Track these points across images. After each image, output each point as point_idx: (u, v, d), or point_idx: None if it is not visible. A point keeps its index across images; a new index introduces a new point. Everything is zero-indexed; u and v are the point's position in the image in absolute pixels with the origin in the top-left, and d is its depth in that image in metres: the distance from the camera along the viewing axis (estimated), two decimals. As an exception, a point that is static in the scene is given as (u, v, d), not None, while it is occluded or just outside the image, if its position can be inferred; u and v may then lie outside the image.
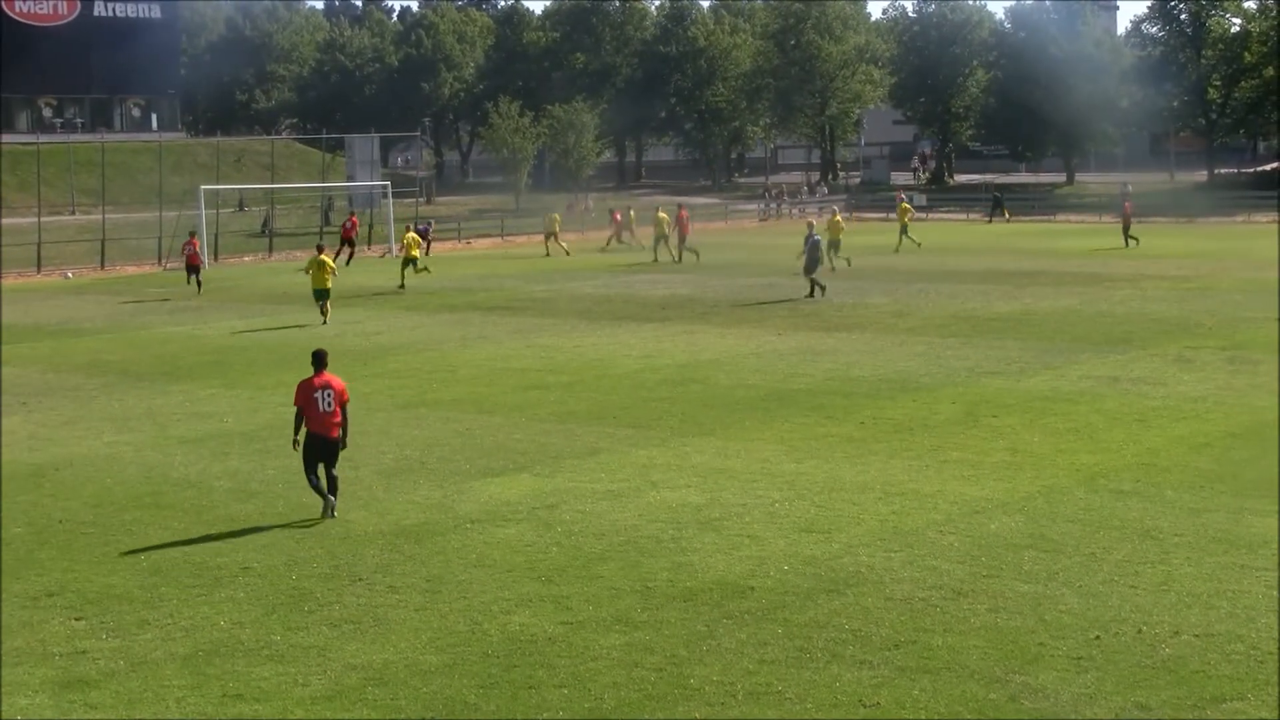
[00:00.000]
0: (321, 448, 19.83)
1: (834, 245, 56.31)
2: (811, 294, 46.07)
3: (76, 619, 15.83)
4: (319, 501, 20.07)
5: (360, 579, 16.93)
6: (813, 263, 46.57)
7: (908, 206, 71.35)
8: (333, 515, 19.67)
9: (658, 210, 66.31)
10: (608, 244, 70.81)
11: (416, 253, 55.95)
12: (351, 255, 66.55)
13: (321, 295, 43.79)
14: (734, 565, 17.03)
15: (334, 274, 45.34)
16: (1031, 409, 26.32)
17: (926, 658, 13.93)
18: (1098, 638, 14.30)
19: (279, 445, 23.12)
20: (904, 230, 67.42)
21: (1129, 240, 65.53)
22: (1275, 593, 15.49)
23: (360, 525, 19.33)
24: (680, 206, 67.31)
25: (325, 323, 42.86)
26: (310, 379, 19.98)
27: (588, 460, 22.96)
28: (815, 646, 14.30)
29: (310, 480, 19.94)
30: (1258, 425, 24.33)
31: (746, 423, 25.80)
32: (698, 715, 12.74)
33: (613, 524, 19.03)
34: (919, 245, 65.68)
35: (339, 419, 19.89)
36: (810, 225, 49.59)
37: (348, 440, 20.38)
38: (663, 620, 15.18)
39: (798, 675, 13.59)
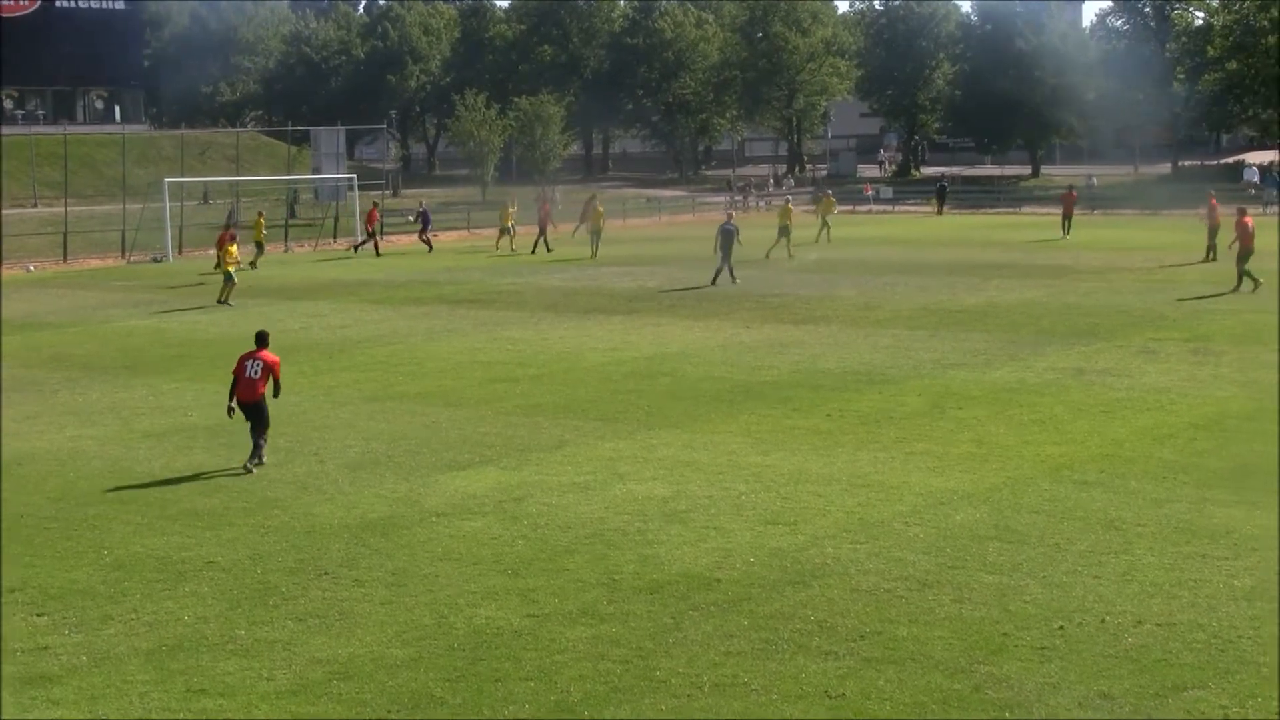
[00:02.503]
0: (247, 411, 22.26)
1: (784, 231, 59.00)
2: (715, 281, 48.15)
3: (38, 615, 15.78)
4: (284, 496, 20.44)
5: (326, 573, 16.92)
6: (724, 252, 48.60)
7: (833, 201, 73.20)
8: (260, 463, 22.26)
9: (597, 205, 65.60)
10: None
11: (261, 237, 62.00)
12: (373, 244, 67.82)
13: (226, 278, 47.55)
14: (700, 557, 17.08)
15: (237, 262, 49.12)
16: (997, 401, 26.46)
17: (892, 648, 14.00)
18: (1061, 628, 14.39)
19: (244, 440, 23.12)
20: (824, 223, 68.80)
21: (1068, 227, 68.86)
22: (1236, 582, 15.61)
23: (325, 519, 19.32)
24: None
25: (222, 302, 46.61)
26: (249, 352, 22.61)
27: (554, 453, 22.99)
28: (781, 638, 14.36)
29: (253, 438, 22.44)
30: (1221, 416, 24.51)
31: (713, 415, 25.88)
32: (664, 707, 12.78)
33: (579, 516, 19.07)
34: (815, 243, 65.93)
35: (262, 387, 22.23)
36: (730, 216, 53.11)
37: (280, 391, 23.08)
38: (629, 613, 15.22)
39: (764, 667, 13.64)
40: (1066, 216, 69.26)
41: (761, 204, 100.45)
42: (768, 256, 56.67)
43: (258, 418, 22.34)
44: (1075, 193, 74.72)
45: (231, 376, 22.60)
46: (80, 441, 25.09)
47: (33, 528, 19.43)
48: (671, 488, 20.47)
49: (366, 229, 68.45)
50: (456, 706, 12.94)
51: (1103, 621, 14.52)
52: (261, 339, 22.93)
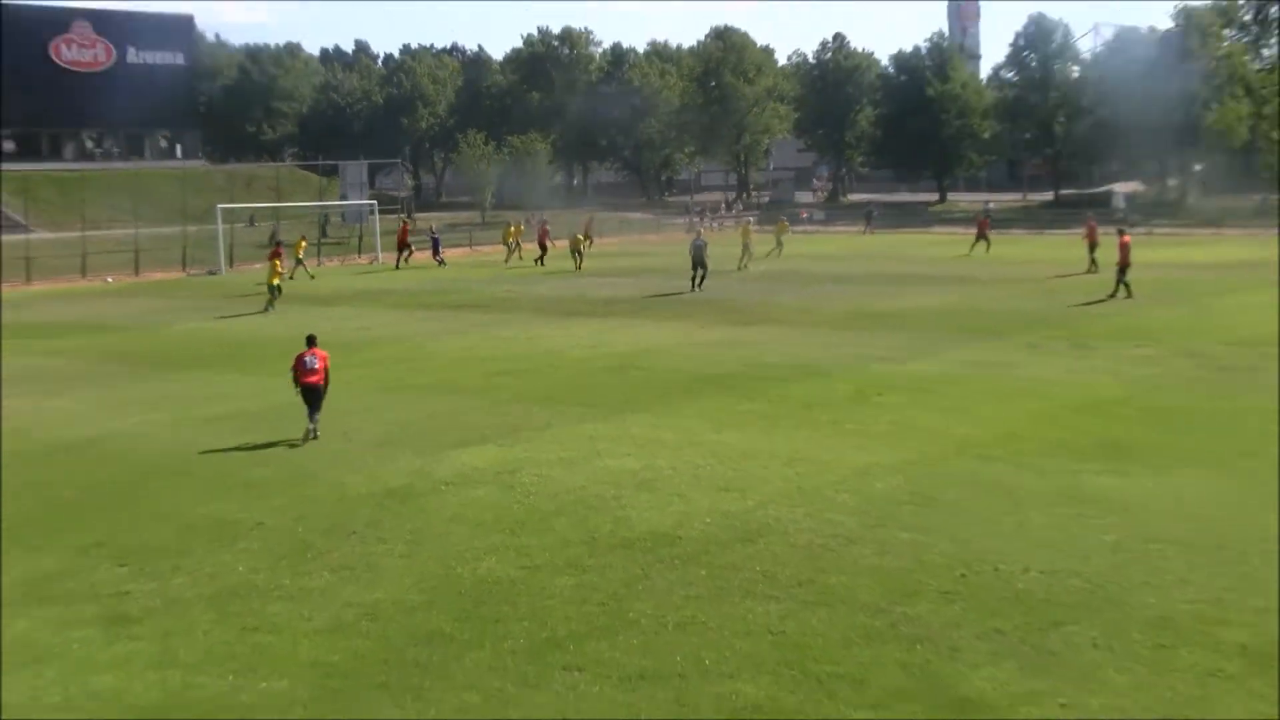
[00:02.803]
0: (308, 393, 23.09)
1: (747, 248, 59.71)
2: (694, 287, 48.28)
3: (120, 566, 15.86)
4: (319, 469, 20.57)
5: (354, 532, 16.98)
6: (696, 262, 48.99)
7: (786, 225, 72.84)
8: (315, 437, 22.90)
9: (576, 233, 65.21)
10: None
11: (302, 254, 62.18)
12: (400, 258, 67.52)
13: (270, 291, 47.01)
14: (665, 519, 17.14)
15: (280, 275, 48.30)
16: (912, 389, 26.52)
17: (824, 593, 14.09)
18: (963, 575, 14.51)
19: (287, 423, 23.22)
20: (778, 242, 68.59)
21: (983, 244, 66.68)
22: (1105, 537, 15.74)
23: (354, 488, 19.37)
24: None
25: (266, 309, 45.66)
26: (305, 351, 23.59)
27: (543, 433, 23.02)
28: (732, 585, 14.45)
29: (310, 415, 23.11)
30: (1095, 401, 24.63)
31: (676, 401, 25.89)
32: (635, 643, 12.85)
33: (564, 486, 19.12)
34: (764, 257, 65.43)
35: (320, 375, 23.17)
36: (699, 233, 53.90)
37: (329, 386, 23.52)
38: (606, 565, 15.30)
39: (718, 609, 13.73)
40: (982, 237, 68.62)
41: (714, 225, 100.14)
42: (747, 268, 57.02)
43: (316, 398, 23.12)
44: (989, 218, 74.32)
45: (291, 370, 23.55)
46: (150, 425, 25.07)
47: (114, 495, 19.47)
48: (641, 461, 20.50)
49: (402, 242, 67.99)
50: (464, 642, 13.02)
51: (997, 570, 14.65)
52: (311, 340, 23.93)
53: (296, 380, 23.32)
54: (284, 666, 12.60)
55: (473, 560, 15.64)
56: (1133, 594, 13.83)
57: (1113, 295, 41.98)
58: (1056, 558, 15.04)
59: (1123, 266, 42.45)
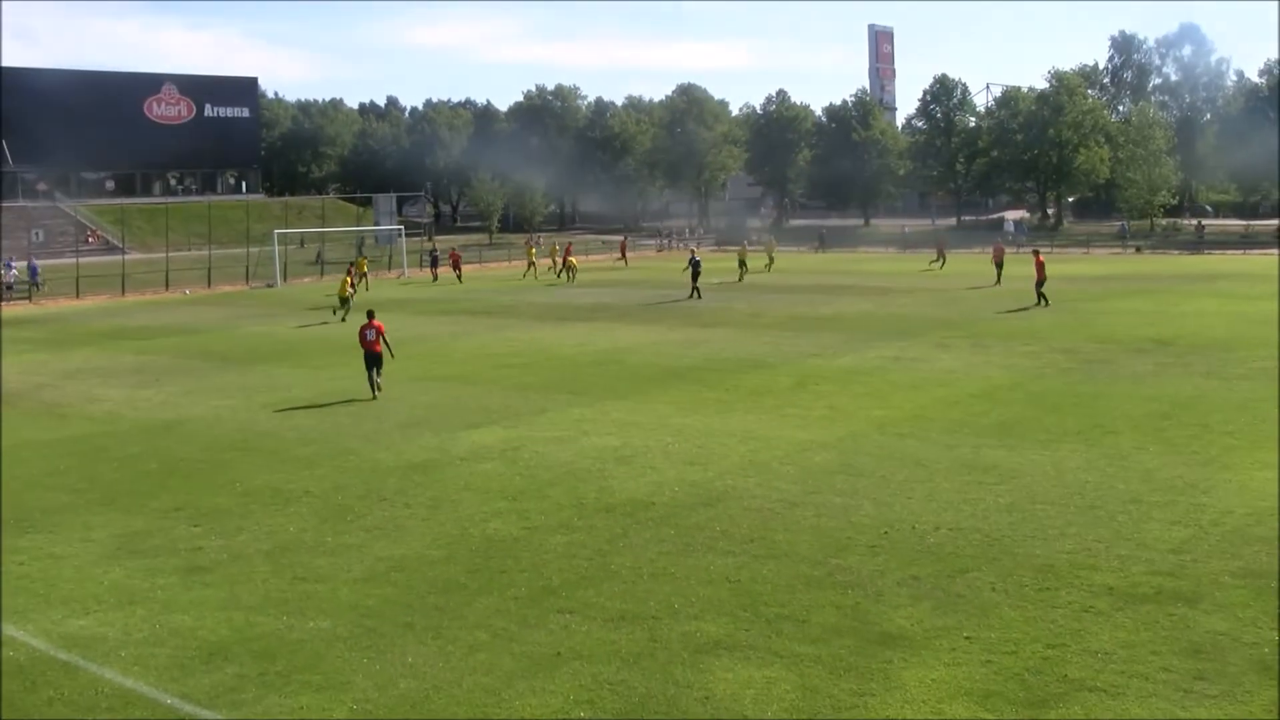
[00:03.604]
0: (369, 359, 25.11)
1: (743, 263, 58.65)
2: (691, 296, 48.07)
3: (194, 526, 15.72)
4: (356, 446, 20.33)
5: (385, 499, 16.86)
6: (694, 276, 48.99)
7: (775, 243, 72.13)
8: (375, 396, 24.68)
9: (571, 258, 64.80)
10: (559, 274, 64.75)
11: (365, 270, 60.35)
12: (457, 274, 65.16)
13: (341, 301, 45.62)
14: (641, 487, 17.06)
15: (350, 289, 46.66)
16: (842, 379, 26.49)
17: (772, 548, 14.03)
18: (886, 533, 14.45)
19: (330, 407, 23.02)
20: (770, 258, 67.82)
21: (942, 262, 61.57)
22: (1000, 499, 15.70)
23: (385, 462, 19.23)
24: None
25: (343, 319, 43.34)
26: (365, 324, 25.37)
27: (540, 417, 22.92)
28: (697, 542, 14.37)
29: (369, 378, 25.19)
30: (990, 389, 24.62)
31: (649, 390, 25.82)
32: (617, 590, 12.77)
33: (557, 460, 19.02)
34: (764, 270, 65.58)
35: (379, 344, 25.12)
36: (693, 251, 53.58)
37: (393, 352, 25.84)
38: (592, 525, 15.21)
39: (685, 562, 13.65)
40: (941, 255, 66.62)
41: (679, 245, 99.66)
42: (743, 280, 56.66)
43: (377, 363, 24.96)
44: (944, 239, 71.16)
45: (358, 341, 25.54)
46: (219, 410, 24.88)
47: (190, 468, 19.30)
48: (620, 440, 20.43)
49: (454, 266, 66.74)
50: (475, 590, 12.91)
51: (913, 528, 14.60)
52: (370, 314, 25.84)
53: (363, 346, 25.06)
54: (327, 609, 12.48)
55: (482, 522, 15.52)
56: (1022, 545, 13.79)
57: (1038, 304, 41.09)
58: (961, 517, 15.00)
59: (1039, 280, 41.93)
